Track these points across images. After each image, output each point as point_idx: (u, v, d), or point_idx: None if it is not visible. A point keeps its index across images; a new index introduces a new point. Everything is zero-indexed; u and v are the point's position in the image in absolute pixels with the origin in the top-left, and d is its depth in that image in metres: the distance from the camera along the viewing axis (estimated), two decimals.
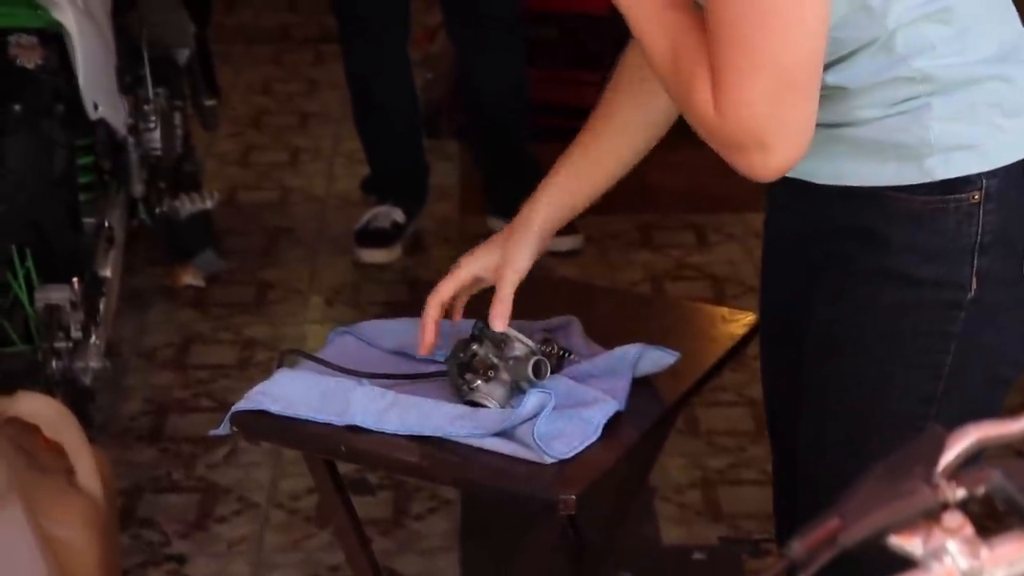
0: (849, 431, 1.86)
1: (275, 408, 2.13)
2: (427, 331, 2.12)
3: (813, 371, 1.90)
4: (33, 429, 2.48)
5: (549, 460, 1.99)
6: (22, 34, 3.29)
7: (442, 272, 2.15)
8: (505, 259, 2.08)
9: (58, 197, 3.38)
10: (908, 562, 1.09)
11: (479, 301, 2.16)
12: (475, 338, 2.10)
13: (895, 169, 1.77)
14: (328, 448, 2.14)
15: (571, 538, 2.68)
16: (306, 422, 2.11)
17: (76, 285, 3.31)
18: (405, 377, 2.18)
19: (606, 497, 2.59)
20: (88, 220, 3.54)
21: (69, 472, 2.49)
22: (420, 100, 4.57)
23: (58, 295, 3.26)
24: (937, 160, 1.75)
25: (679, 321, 2.48)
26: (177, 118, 4.15)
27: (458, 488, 2.92)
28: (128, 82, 3.77)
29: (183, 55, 4.14)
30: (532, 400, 2.01)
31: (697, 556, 3.19)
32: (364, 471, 3.38)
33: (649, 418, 2.14)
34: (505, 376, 2.07)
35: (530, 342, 2.09)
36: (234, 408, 2.15)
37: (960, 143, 1.75)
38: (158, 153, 3.92)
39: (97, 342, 3.41)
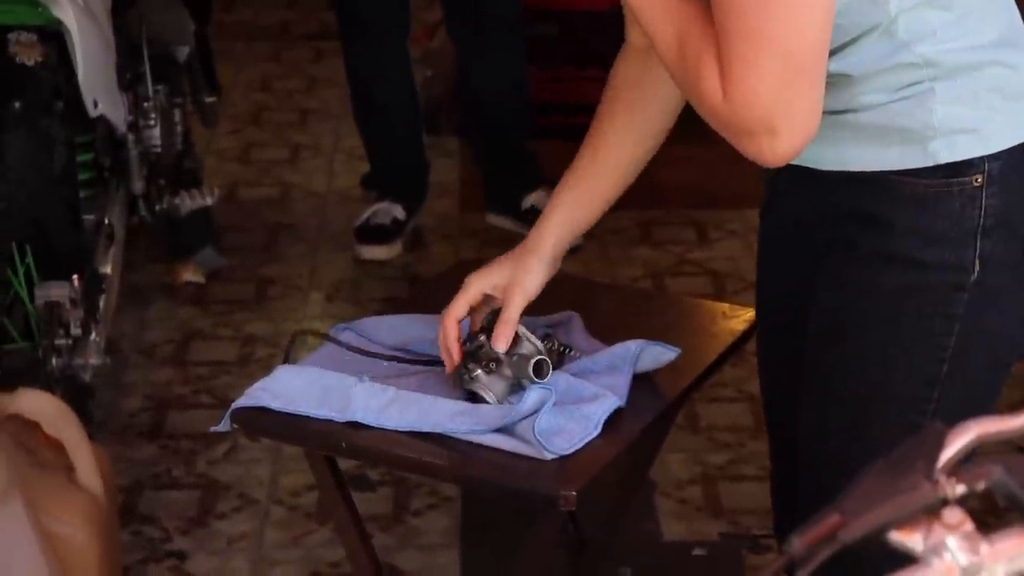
0: (853, 415, 1.87)
1: (276, 404, 2.13)
2: (453, 352, 2.11)
3: (816, 357, 1.91)
4: (33, 426, 2.48)
5: (549, 456, 1.99)
6: (22, 31, 3.29)
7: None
8: (514, 280, 2.09)
9: (58, 194, 3.37)
10: (908, 558, 1.09)
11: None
12: (484, 330, 2.10)
13: (899, 153, 1.78)
14: (329, 444, 2.14)
15: (571, 534, 2.68)
16: (307, 418, 2.11)
17: (76, 282, 3.31)
18: (421, 362, 2.17)
19: (606, 493, 2.59)
20: (88, 217, 3.54)
21: (69, 469, 2.49)
22: (420, 97, 4.57)
23: (58, 292, 3.26)
24: (941, 144, 1.77)
25: (679, 317, 2.48)
26: (177, 115, 4.15)
27: (459, 484, 2.92)
28: (128, 79, 3.77)
29: (183, 52, 4.14)
30: (533, 396, 2.01)
31: (697, 552, 3.19)
32: (364, 467, 3.38)
33: (650, 414, 2.14)
34: (507, 371, 2.07)
35: (538, 342, 2.09)
36: (235, 404, 2.16)
37: (963, 127, 1.77)
38: (158, 150, 3.92)
39: (97, 339, 3.41)
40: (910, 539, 1.09)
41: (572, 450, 2.00)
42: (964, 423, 1.15)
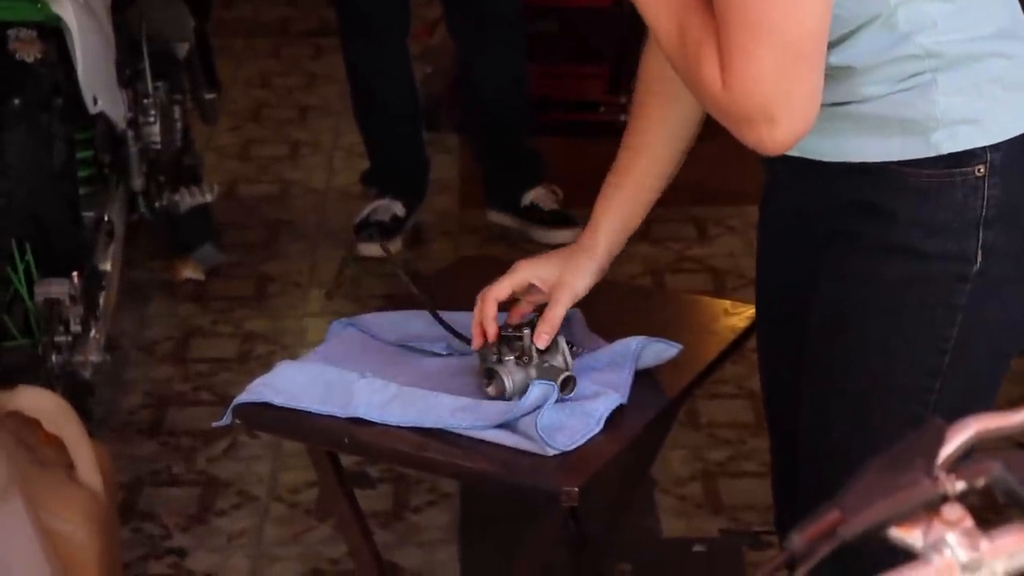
0: (855, 407, 1.87)
1: (278, 400, 2.14)
2: (488, 330, 2.11)
3: (817, 348, 1.91)
4: (33, 423, 2.48)
5: (551, 452, 1.99)
6: (21, 28, 3.29)
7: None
8: (563, 280, 2.10)
9: (58, 191, 3.37)
10: (908, 554, 1.09)
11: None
12: (530, 324, 2.10)
13: (901, 144, 1.78)
14: (331, 440, 2.15)
15: (572, 530, 2.68)
16: (309, 414, 2.11)
17: (76, 279, 3.31)
18: (463, 339, 2.17)
19: (607, 490, 2.59)
20: (88, 214, 3.54)
21: (69, 466, 2.49)
22: (420, 94, 4.57)
23: (58, 289, 3.26)
24: (943, 134, 1.77)
25: (680, 314, 2.48)
26: (177, 112, 4.14)
27: (460, 480, 2.92)
28: (128, 76, 3.76)
29: (183, 49, 4.14)
30: (535, 392, 2.01)
31: (697, 548, 3.19)
32: (364, 464, 3.38)
33: (651, 411, 2.14)
34: (532, 372, 2.07)
35: (571, 361, 2.09)
36: (237, 400, 2.16)
37: (965, 117, 1.77)
38: (158, 147, 3.92)
39: (97, 336, 3.41)
40: (910, 535, 1.09)
41: (574, 446, 2.00)
42: (963, 419, 1.15)
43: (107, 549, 2.47)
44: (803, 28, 1.66)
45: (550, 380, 2.04)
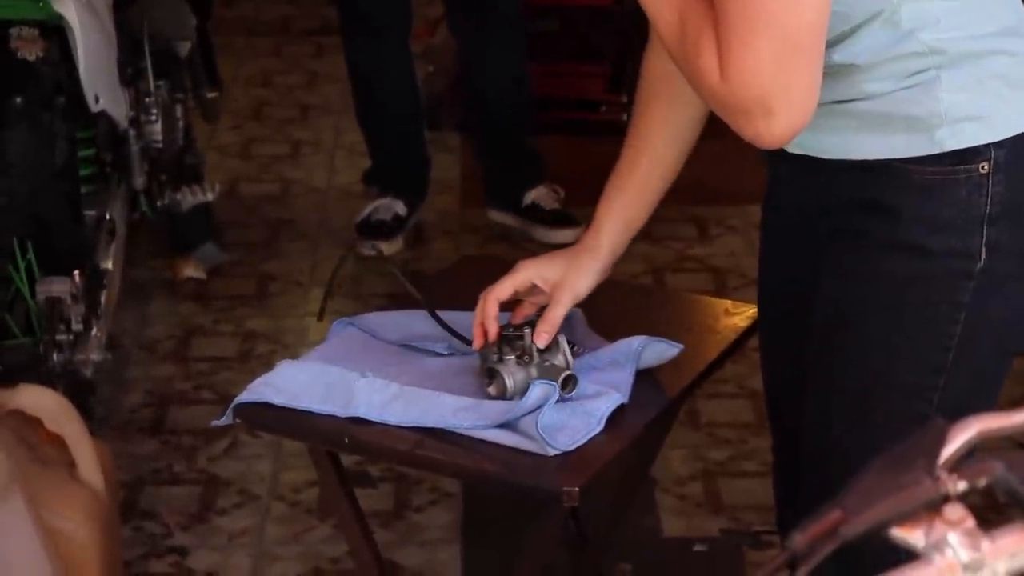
0: (857, 404, 1.87)
1: (278, 400, 2.13)
2: (490, 329, 2.11)
3: (820, 346, 1.91)
4: (34, 422, 2.48)
5: (552, 452, 1.99)
6: (23, 26, 3.29)
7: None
8: (566, 280, 2.10)
9: (59, 189, 3.38)
10: (910, 554, 1.09)
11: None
12: (531, 324, 2.10)
13: (905, 141, 1.79)
14: (332, 440, 2.15)
15: (572, 530, 2.68)
16: (309, 414, 2.11)
17: (77, 277, 3.31)
18: (462, 339, 2.18)
19: (607, 489, 2.59)
20: (89, 212, 3.54)
21: (70, 464, 2.49)
22: (421, 93, 4.57)
23: (59, 287, 3.26)
24: (947, 131, 1.77)
25: (681, 313, 2.48)
26: (178, 110, 4.14)
27: (461, 480, 2.92)
28: (129, 74, 3.76)
29: (184, 48, 4.14)
30: (536, 392, 2.01)
31: (698, 548, 3.19)
32: (365, 464, 3.38)
33: (652, 410, 2.14)
34: (534, 371, 2.07)
35: (571, 360, 2.10)
36: (237, 400, 2.16)
37: (969, 114, 1.78)
38: (159, 145, 3.92)
39: (98, 334, 3.41)
40: (912, 535, 1.09)
41: (575, 446, 2.00)
42: (965, 419, 1.15)
43: (108, 548, 2.48)
44: (802, 20, 1.66)
45: (551, 379, 2.04)
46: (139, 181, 3.85)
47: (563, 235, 4.23)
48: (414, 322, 2.27)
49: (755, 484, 3.30)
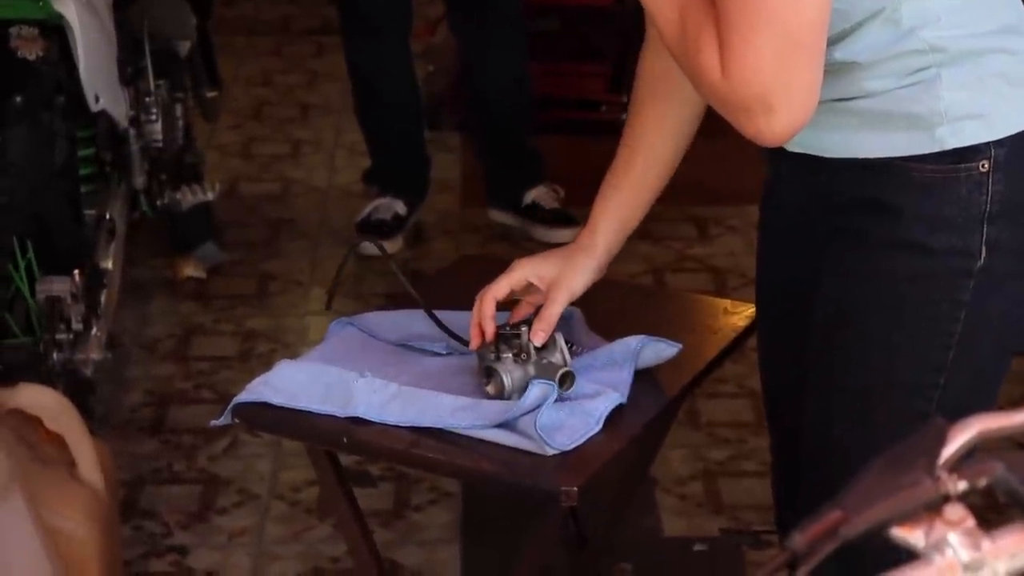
0: (858, 403, 1.87)
1: (277, 400, 2.13)
2: (487, 329, 2.11)
3: (821, 346, 1.91)
4: (35, 421, 2.48)
5: (551, 452, 1.99)
6: (23, 26, 3.29)
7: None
8: (561, 278, 2.10)
9: (59, 189, 3.37)
10: (910, 554, 1.09)
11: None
12: (528, 323, 2.10)
13: (906, 139, 1.79)
14: (331, 440, 2.14)
15: (572, 530, 2.68)
16: (308, 414, 2.11)
17: (77, 277, 3.31)
18: (458, 340, 2.18)
19: (607, 489, 2.59)
20: (89, 212, 3.54)
21: (70, 464, 2.49)
22: (422, 92, 4.57)
23: (59, 287, 3.26)
24: (948, 129, 1.77)
25: (680, 313, 2.48)
26: (178, 110, 4.14)
27: (460, 479, 2.92)
28: (129, 74, 3.76)
29: (184, 47, 4.14)
30: (534, 392, 2.01)
31: (698, 548, 3.19)
32: (365, 463, 3.38)
33: (651, 410, 2.14)
34: (531, 369, 2.07)
35: (569, 357, 2.10)
36: (236, 400, 2.16)
37: (970, 112, 1.78)
38: (159, 145, 3.92)
39: (98, 334, 3.41)
40: (912, 535, 1.09)
41: (573, 446, 2.00)
42: (966, 419, 1.15)
43: (108, 547, 2.47)
44: (803, 18, 1.67)
45: (549, 377, 2.04)
46: (139, 180, 3.85)
47: (563, 235, 4.23)
48: (413, 322, 2.27)
49: (755, 484, 3.30)
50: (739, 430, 3.56)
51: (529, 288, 2.13)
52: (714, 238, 4.46)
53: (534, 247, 4.19)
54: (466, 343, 2.15)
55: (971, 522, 1.08)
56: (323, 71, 5.76)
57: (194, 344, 3.99)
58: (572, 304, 2.15)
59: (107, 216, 3.59)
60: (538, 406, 2.01)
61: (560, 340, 2.10)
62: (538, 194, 4.47)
